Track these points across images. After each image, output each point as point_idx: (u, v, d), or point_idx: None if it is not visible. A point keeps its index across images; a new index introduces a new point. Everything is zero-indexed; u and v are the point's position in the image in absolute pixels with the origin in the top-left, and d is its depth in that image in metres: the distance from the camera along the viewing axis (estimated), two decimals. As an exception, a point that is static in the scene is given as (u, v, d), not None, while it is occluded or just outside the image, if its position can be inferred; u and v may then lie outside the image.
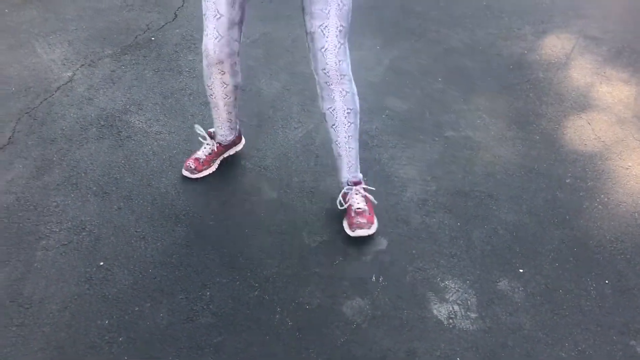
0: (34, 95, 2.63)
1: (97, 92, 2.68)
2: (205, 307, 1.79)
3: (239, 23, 1.94)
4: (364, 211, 2.04)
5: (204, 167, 2.26)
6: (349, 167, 2.08)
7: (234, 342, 1.70)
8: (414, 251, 2.03)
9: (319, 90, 1.96)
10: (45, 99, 2.61)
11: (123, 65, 2.89)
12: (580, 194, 2.31)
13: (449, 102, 2.81)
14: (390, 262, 1.98)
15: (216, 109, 2.17)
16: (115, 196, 2.15)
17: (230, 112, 2.20)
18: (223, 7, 1.87)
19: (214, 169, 2.30)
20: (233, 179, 2.28)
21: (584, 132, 2.65)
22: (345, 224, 2.07)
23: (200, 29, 3.25)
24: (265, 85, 2.81)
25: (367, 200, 2.09)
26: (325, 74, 1.88)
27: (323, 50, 1.84)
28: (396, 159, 2.43)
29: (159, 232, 2.03)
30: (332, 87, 1.91)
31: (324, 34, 1.82)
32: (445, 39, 3.36)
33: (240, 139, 2.39)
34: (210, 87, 2.08)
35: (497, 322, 1.80)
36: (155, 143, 2.41)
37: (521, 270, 1.98)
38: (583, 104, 2.85)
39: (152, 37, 3.15)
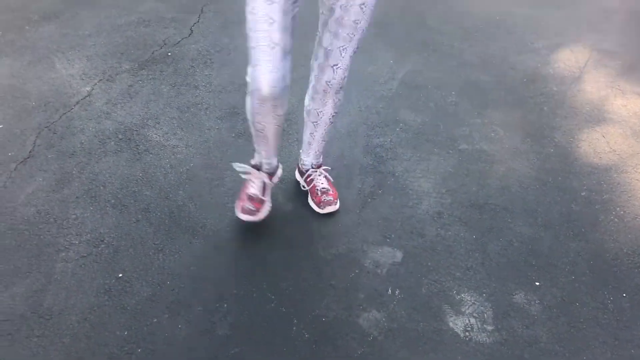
0: (53, 110, 2.67)
1: (115, 107, 2.73)
2: (222, 318, 1.80)
3: (290, 52, 1.71)
4: (328, 190, 2.22)
5: (263, 205, 2.10)
6: (316, 154, 2.22)
7: (251, 353, 1.71)
8: (429, 263, 2.03)
9: (311, 92, 1.98)
10: (65, 114, 2.66)
11: (140, 80, 2.93)
12: (596, 206, 2.30)
13: (462, 116, 2.82)
14: (405, 275, 1.99)
15: (265, 141, 1.96)
16: (134, 209, 2.18)
17: (278, 140, 2.00)
18: (278, 35, 1.62)
19: (271, 205, 2.15)
20: (249, 191, 2.30)
21: (599, 145, 2.65)
22: (312, 204, 2.22)
23: (216, 44, 3.30)
24: (280, 99, 2.84)
25: (327, 179, 2.26)
26: (328, 85, 1.92)
27: (335, 67, 1.86)
28: (411, 171, 2.44)
29: (177, 244, 2.05)
30: (328, 96, 1.96)
31: (341, 55, 1.83)
32: (458, 53, 3.38)
33: (278, 164, 2.22)
34: (260, 123, 1.85)
35: (513, 335, 1.80)
36: (173, 156, 2.44)
37: (537, 283, 1.97)
38: (597, 117, 2.85)
39: (169, 52, 3.20)
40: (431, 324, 1.82)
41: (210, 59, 3.15)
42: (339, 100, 2.00)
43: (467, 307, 1.88)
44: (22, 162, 2.36)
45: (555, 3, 4.05)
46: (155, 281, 1.91)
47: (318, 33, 1.85)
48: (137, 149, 2.48)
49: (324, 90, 1.94)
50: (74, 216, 2.13)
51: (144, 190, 2.27)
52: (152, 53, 3.18)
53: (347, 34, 1.78)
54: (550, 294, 1.94)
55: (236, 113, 2.73)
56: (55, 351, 1.68)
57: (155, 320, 1.79)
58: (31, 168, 2.33)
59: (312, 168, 2.26)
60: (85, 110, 2.69)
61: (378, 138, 2.63)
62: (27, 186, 2.25)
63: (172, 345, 1.72)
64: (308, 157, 2.25)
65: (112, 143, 2.50)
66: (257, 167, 2.12)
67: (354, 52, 1.85)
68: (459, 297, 1.91)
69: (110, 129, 2.58)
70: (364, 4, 1.72)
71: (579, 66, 3.28)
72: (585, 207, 2.30)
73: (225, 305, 1.85)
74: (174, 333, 1.75)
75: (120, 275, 1.92)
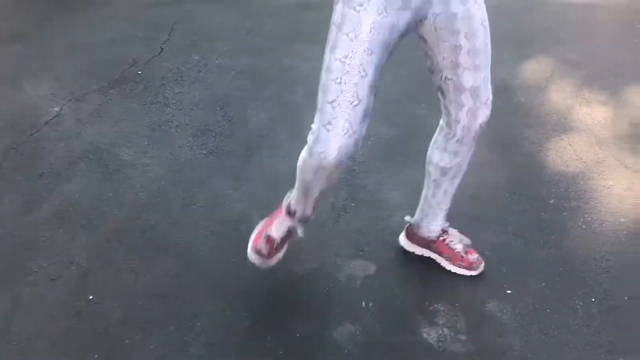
0: (20, 131, 2.64)
1: (84, 127, 2.70)
2: (196, 337, 1.79)
3: (371, 115, 1.49)
4: (469, 245, 2.04)
5: (276, 252, 1.88)
6: (447, 211, 2.03)
7: (226, 372, 1.70)
8: (402, 275, 2.04)
9: (453, 147, 1.83)
10: (32, 134, 2.63)
11: (110, 99, 2.92)
12: (564, 214, 2.34)
13: (433, 128, 2.84)
14: (379, 287, 1.99)
15: (305, 200, 1.79)
16: (104, 229, 2.16)
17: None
18: (366, 91, 1.44)
19: (281, 256, 1.91)
20: (221, 208, 2.29)
21: (566, 154, 2.70)
22: (458, 269, 2.02)
23: (186, 62, 3.30)
24: (252, 116, 2.85)
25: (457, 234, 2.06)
26: (481, 127, 1.75)
27: (488, 102, 1.72)
28: (383, 184, 2.46)
29: (149, 264, 2.03)
30: (471, 142, 1.78)
31: (487, 85, 1.71)
32: (427, 66, 3.42)
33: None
34: (312, 189, 1.70)
35: (486, 344, 1.81)
36: (144, 175, 2.43)
37: (509, 292, 1.99)
38: (564, 126, 2.91)
39: (139, 70, 3.19)
40: (405, 335, 1.83)
41: (180, 77, 3.15)
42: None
43: (440, 317, 1.89)
44: (-11, 184, 2.33)
45: (520, 15, 4.14)
46: (127, 302, 1.89)
47: (447, 82, 1.68)
48: (108, 168, 2.46)
49: (473, 137, 1.76)
50: (43, 238, 2.10)
51: (115, 210, 2.25)
52: (122, 72, 3.17)
53: (484, 59, 1.64)
54: (521, 301, 1.96)
55: (208, 130, 2.73)
56: (24, 377, 1.65)
57: (127, 341, 1.77)
58: (-2, 191, 2.30)
59: (443, 230, 2.02)
60: (55, 131, 2.66)
61: (350, 152, 2.64)
62: (-5, 209, 2.21)
63: (145, 367, 1.70)
64: (436, 220, 1.99)
65: (82, 163, 2.48)
66: (291, 212, 1.85)
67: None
68: (432, 307, 1.92)
69: (80, 149, 2.56)
70: (483, 20, 1.60)
71: (545, 77, 3.35)
72: (554, 214, 2.34)
73: (199, 324, 1.83)
74: (146, 354, 1.73)
75: (91, 297, 1.90)
